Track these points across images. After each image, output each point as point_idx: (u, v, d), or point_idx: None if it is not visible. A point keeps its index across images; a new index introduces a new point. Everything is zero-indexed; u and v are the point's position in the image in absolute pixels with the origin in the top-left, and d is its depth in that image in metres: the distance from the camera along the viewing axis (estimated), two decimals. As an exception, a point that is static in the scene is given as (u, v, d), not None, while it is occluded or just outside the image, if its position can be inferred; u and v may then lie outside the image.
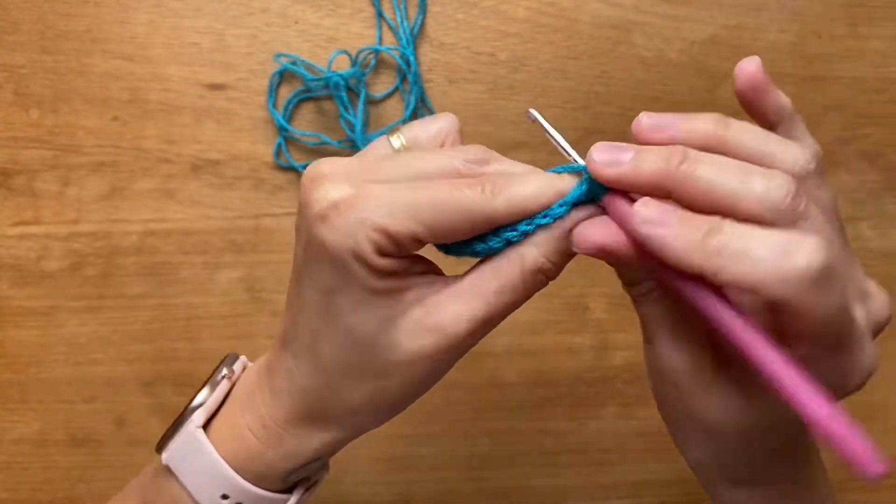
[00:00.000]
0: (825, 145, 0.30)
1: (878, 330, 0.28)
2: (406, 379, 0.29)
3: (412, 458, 0.54)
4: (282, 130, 0.51)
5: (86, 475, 0.53)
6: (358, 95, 0.50)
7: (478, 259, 0.29)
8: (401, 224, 0.26)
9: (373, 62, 0.51)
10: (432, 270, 0.29)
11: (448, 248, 0.29)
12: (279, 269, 0.52)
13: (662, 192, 0.25)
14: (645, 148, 0.26)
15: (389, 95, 0.52)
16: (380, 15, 0.51)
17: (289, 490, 0.33)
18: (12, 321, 0.52)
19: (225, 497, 0.31)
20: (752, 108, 0.29)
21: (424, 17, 0.51)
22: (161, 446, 0.32)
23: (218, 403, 0.32)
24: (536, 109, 0.31)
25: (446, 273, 0.30)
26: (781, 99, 0.28)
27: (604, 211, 0.27)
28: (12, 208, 0.51)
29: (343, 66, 0.51)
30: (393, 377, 0.28)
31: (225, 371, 0.33)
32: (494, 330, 0.29)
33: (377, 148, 0.30)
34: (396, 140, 0.30)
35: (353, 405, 0.30)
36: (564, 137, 0.30)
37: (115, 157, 0.51)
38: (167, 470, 0.32)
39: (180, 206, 0.51)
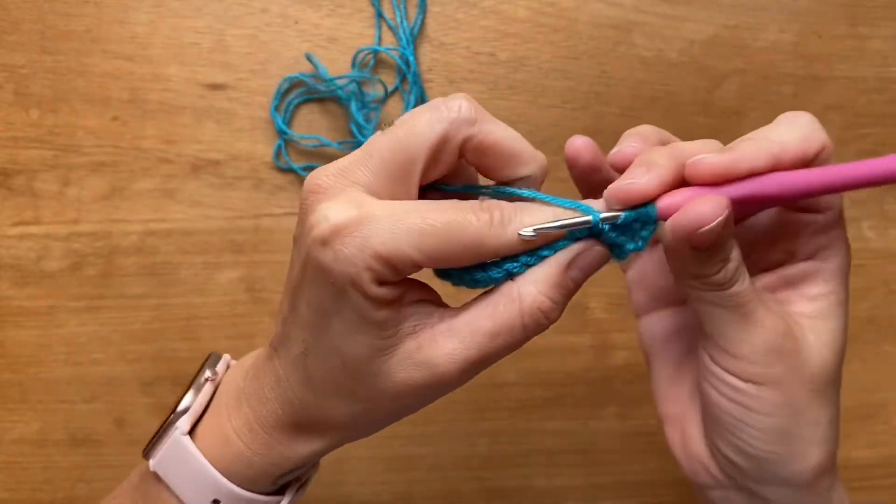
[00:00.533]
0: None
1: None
2: (392, 405, 0.29)
3: (412, 458, 0.54)
4: (281, 133, 0.51)
5: (86, 475, 0.53)
6: (364, 98, 0.50)
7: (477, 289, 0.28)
8: (402, 253, 0.25)
9: (372, 62, 0.51)
10: (430, 299, 0.29)
11: (447, 273, 0.28)
12: (279, 269, 0.52)
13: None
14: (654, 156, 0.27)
15: (389, 95, 0.52)
16: (380, 15, 0.51)
17: (280, 491, 0.33)
18: (12, 321, 0.52)
19: (216, 502, 0.31)
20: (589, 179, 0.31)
21: (424, 17, 0.51)
22: (148, 452, 0.32)
23: (203, 407, 0.32)
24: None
25: (441, 287, 0.29)
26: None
27: (604, 245, 0.27)
28: (12, 208, 0.51)
29: (343, 67, 0.51)
30: (380, 402, 0.28)
31: (208, 373, 0.33)
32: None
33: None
34: None
35: (340, 421, 0.29)
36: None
37: (115, 157, 0.51)
38: (156, 476, 0.32)
39: (180, 206, 0.51)
